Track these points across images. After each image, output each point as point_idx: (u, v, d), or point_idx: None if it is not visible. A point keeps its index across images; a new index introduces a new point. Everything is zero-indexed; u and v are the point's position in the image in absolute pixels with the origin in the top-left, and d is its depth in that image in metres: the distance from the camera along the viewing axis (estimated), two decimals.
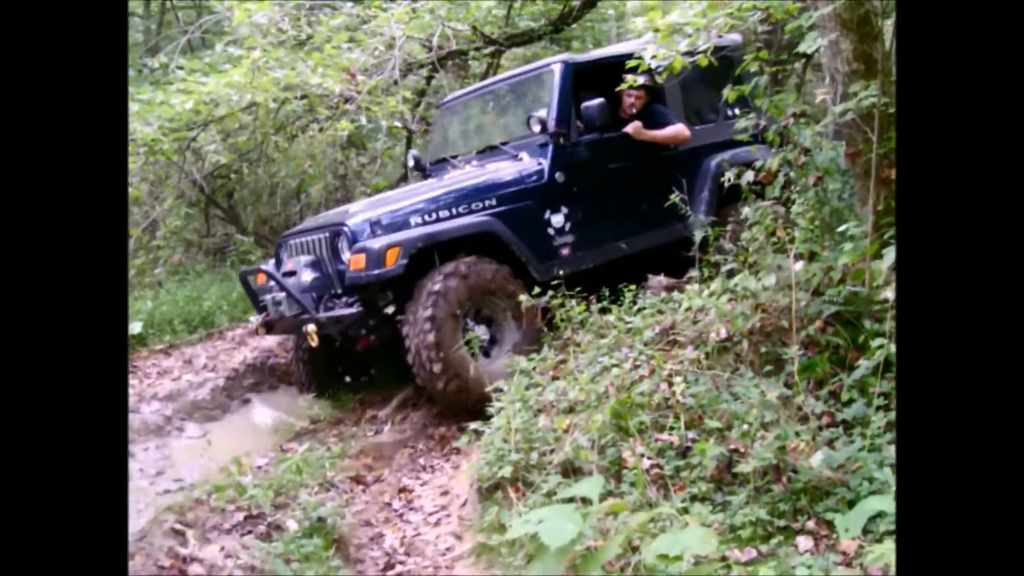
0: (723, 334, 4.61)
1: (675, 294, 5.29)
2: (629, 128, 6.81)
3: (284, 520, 4.28)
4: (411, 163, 7.79)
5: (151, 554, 4.06)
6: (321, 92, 8.83)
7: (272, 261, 6.76)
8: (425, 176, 7.60)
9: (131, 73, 11.40)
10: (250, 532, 4.32)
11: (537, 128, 6.42)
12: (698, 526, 2.12)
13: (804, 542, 3.20)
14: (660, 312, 5.19)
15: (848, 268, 4.28)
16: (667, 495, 3.67)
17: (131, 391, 6.72)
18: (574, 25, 11.41)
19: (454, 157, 7.26)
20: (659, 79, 5.56)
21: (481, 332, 5.91)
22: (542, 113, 6.50)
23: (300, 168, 10.43)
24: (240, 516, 4.49)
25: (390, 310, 5.82)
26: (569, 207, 6.51)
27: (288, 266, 6.34)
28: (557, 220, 6.46)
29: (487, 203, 6.24)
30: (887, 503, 2.81)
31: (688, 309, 4.89)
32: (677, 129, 7.00)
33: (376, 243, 5.73)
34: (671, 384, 4.27)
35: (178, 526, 4.30)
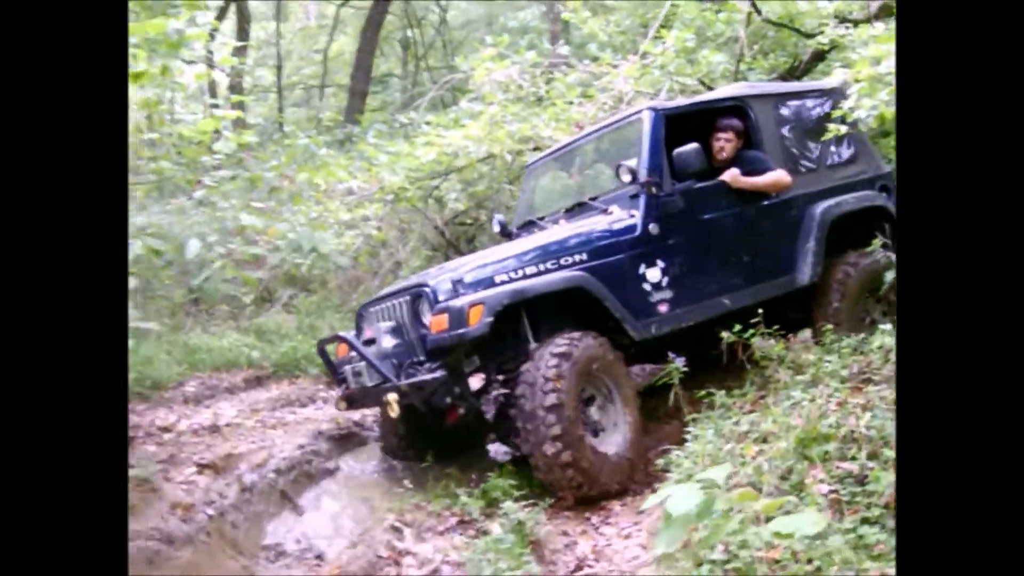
0: None
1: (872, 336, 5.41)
2: (726, 176, 6.42)
3: (490, 525, 4.74)
4: (496, 228, 7.37)
5: (371, 545, 4.64)
6: (552, 144, 9.39)
7: (352, 332, 6.26)
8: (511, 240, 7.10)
9: (382, 128, 12.43)
10: (461, 534, 4.82)
11: (627, 178, 6.02)
12: (812, 511, 2.39)
13: None
14: (857, 352, 5.36)
15: None
16: (841, 517, 3.87)
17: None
18: (804, 78, 11.52)
19: (541, 219, 6.95)
20: (862, 127, 5.68)
21: (593, 412, 5.60)
22: (632, 162, 6.12)
23: None
24: (453, 520, 5.02)
25: (477, 380, 5.52)
26: (665, 261, 6.08)
27: (368, 334, 5.95)
28: (653, 275, 6.01)
29: (577, 258, 5.83)
30: None
31: (880, 347, 5.03)
32: (777, 175, 6.55)
33: (458, 302, 5.37)
34: (858, 418, 4.45)
35: (397, 524, 4.87)
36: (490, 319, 5.23)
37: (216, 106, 8.26)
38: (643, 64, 9.90)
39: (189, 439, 6.14)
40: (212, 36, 9.75)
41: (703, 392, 5.49)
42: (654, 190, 6.10)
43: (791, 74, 10.96)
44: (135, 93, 6.49)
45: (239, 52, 13.99)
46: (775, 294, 6.41)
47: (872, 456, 4.18)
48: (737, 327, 5.57)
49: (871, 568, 3.21)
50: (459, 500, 5.17)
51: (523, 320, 5.63)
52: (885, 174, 7.27)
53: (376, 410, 6.59)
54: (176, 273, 9.03)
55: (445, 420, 5.83)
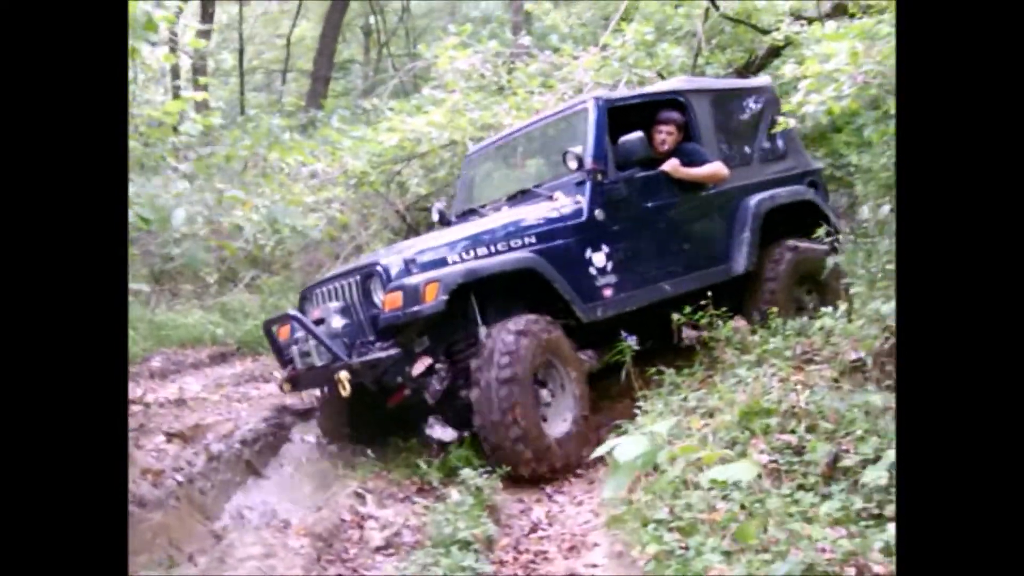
0: (852, 356, 5.02)
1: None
2: (666, 166, 6.59)
3: (449, 492, 4.97)
4: (435, 217, 7.41)
5: (335, 510, 4.87)
6: None
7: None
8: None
9: (346, 114, 12.61)
10: (421, 501, 5.05)
11: (574, 164, 6.15)
12: (748, 461, 2.64)
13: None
14: (800, 334, 5.65)
15: None
16: (780, 484, 4.14)
17: None
18: (760, 74, 11.80)
19: (482, 207, 7.02)
20: (809, 121, 5.93)
21: (544, 393, 5.70)
22: (578, 149, 6.24)
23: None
24: (413, 488, 5.26)
25: (422, 364, 5.58)
26: (610, 246, 6.23)
27: (315, 314, 5.92)
28: (599, 259, 6.16)
29: (526, 241, 5.95)
30: None
31: (820, 329, 5.32)
32: (715, 167, 6.77)
33: (413, 279, 5.43)
34: (798, 394, 4.73)
35: (360, 490, 5.09)
36: (445, 297, 5.32)
37: (178, 88, 8.42)
38: (603, 56, 10.13)
39: (157, 411, 6.33)
40: (177, 18, 9.87)
41: (653, 370, 5.75)
42: (599, 177, 6.25)
43: (747, 69, 11.22)
44: None
45: (204, 35, 14.07)
46: (713, 282, 6.50)
47: (810, 429, 4.44)
48: (687, 309, 5.83)
49: (804, 527, 3.48)
50: (419, 469, 5.41)
51: (472, 302, 5.70)
52: (813, 170, 7.62)
53: (316, 393, 6.58)
54: (140, 252, 9.20)
55: (387, 402, 5.88)
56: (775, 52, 11.11)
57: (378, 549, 4.53)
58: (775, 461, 4.31)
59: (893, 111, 5.58)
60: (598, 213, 6.21)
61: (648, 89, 7.65)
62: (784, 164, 7.42)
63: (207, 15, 18.05)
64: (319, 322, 5.79)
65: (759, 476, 4.14)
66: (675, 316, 5.84)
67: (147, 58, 7.36)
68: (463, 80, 10.36)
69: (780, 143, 7.44)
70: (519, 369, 5.33)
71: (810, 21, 9.80)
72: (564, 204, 6.23)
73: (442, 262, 5.68)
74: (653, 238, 6.50)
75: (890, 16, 5.36)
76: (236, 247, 9.09)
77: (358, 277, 5.84)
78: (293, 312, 5.96)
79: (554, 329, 5.72)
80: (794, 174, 7.39)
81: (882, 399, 4.28)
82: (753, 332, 5.89)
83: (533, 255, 5.86)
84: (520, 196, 6.69)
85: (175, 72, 16.47)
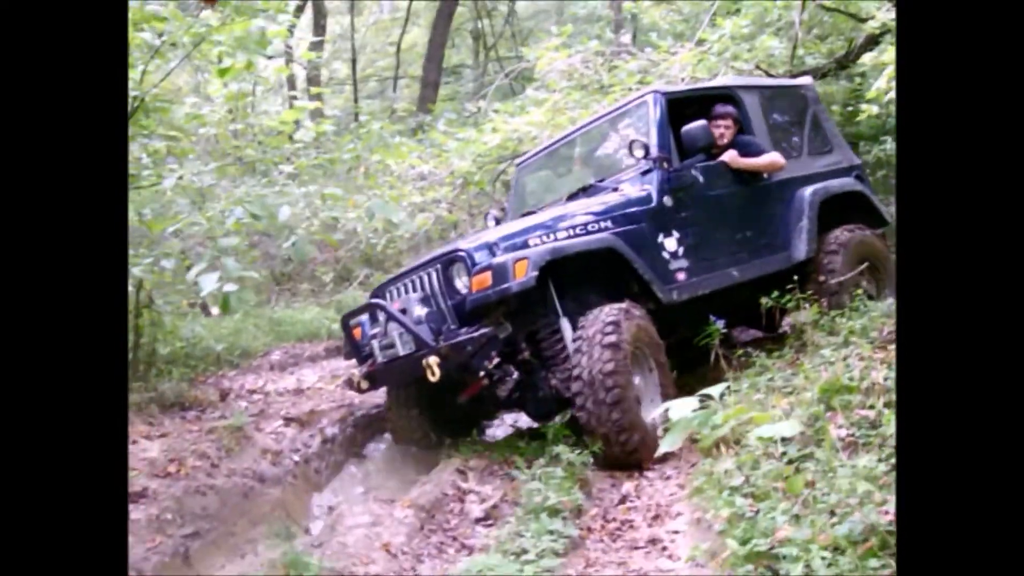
0: None
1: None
2: (725, 156, 6.76)
3: (545, 470, 5.26)
4: (491, 223, 7.56)
5: (439, 484, 5.23)
6: None
7: (366, 317, 6.26)
8: None
9: (452, 117, 13.04)
10: (518, 476, 5.36)
11: (640, 153, 6.23)
12: (792, 420, 2.88)
13: None
14: (886, 316, 5.79)
15: None
16: (856, 456, 4.32)
17: None
18: (858, 62, 11.76)
19: (540, 208, 7.04)
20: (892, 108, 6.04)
21: (637, 381, 5.64)
22: (644, 139, 6.40)
23: None
24: (511, 467, 5.58)
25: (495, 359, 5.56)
26: (680, 231, 6.34)
27: (396, 306, 5.89)
28: (670, 244, 6.27)
29: (603, 224, 6.04)
30: None
31: None
32: (772, 157, 6.97)
33: (502, 258, 5.48)
34: (878, 372, 4.90)
35: (462, 468, 5.45)
36: (535, 273, 5.34)
37: (295, 98, 8.89)
38: (700, 51, 10.26)
39: (276, 399, 6.79)
40: (291, 32, 10.39)
41: (740, 352, 5.95)
42: (665, 165, 6.38)
43: (846, 58, 11.23)
44: (222, 88, 7.16)
45: (316, 47, 14.67)
46: (775, 268, 6.74)
47: (888, 404, 4.62)
48: (775, 293, 6.01)
49: (874, 493, 3.68)
50: (519, 448, 5.73)
51: (550, 289, 5.74)
52: (857, 165, 7.84)
53: (383, 394, 6.64)
54: (261, 255, 9.74)
55: (459, 397, 6.01)
56: (874, 40, 11.07)
57: (477, 520, 4.87)
58: (852, 435, 4.50)
59: None
60: (666, 200, 6.33)
61: (702, 84, 7.90)
62: (831, 158, 7.63)
63: (320, 27, 18.70)
64: (400, 312, 5.79)
65: (836, 450, 4.37)
66: (764, 300, 6.02)
67: (263, 71, 7.82)
68: (563, 80, 10.62)
69: (825, 139, 7.68)
70: (621, 358, 5.39)
71: None
72: (633, 192, 6.36)
73: (524, 245, 5.75)
74: (718, 225, 6.66)
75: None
76: (350, 246, 9.58)
77: (439, 265, 5.90)
78: (377, 300, 6.01)
79: (644, 315, 5.81)
80: (841, 168, 7.60)
81: None
82: (842, 315, 6.05)
83: (613, 236, 5.96)
84: (581, 193, 6.76)
85: (291, 83, 17.16)
